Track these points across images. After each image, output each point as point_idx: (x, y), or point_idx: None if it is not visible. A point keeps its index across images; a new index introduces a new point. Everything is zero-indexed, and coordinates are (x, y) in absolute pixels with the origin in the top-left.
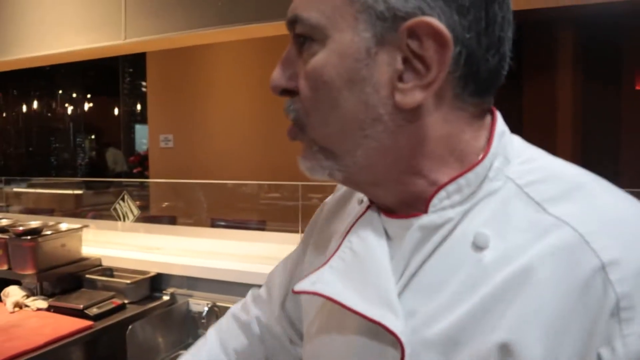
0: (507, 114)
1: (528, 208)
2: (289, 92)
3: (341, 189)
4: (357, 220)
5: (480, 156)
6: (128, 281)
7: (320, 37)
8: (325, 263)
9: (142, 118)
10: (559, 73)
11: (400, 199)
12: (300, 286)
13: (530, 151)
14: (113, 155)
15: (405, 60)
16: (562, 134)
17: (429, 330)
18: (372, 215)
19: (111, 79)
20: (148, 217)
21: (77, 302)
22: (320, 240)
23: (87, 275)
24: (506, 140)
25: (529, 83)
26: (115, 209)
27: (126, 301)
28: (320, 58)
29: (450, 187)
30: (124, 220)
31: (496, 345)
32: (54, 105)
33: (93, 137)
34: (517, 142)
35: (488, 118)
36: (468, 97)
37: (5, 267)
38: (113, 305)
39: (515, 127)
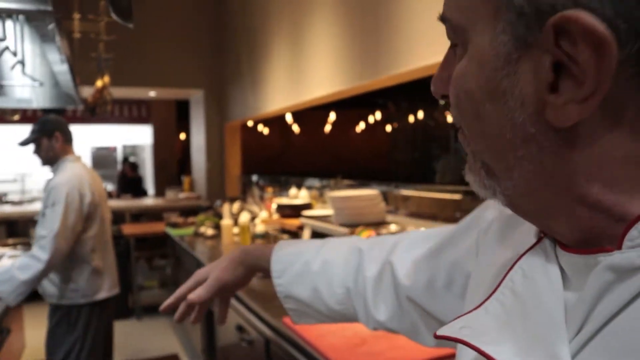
0: None
1: None
2: (446, 97)
3: None
4: (524, 253)
5: None
6: None
7: (462, 40)
8: (478, 305)
9: None
10: None
11: (577, 237)
12: (444, 331)
13: None
14: (443, 166)
15: (557, 66)
16: None
17: None
18: (545, 248)
19: None
20: None
21: None
22: (481, 268)
23: None
24: None
25: None
26: None
27: None
28: (462, 65)
29: None
30: None
31: None
32: (436, 113)
33: None
34: None
35: None
36: None
37: None
38: None
39: None
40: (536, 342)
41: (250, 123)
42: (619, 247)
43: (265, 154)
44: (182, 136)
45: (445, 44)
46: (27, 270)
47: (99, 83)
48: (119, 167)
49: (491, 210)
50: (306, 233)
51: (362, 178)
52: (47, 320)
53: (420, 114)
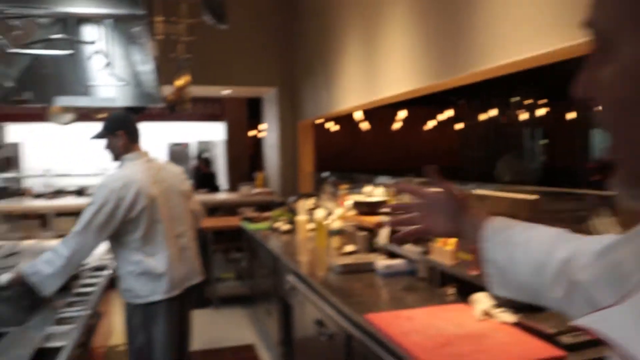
0: None
1: None
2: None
3: None
4: None
5: None
6: None
7: (608, 47)
8: (619, 301)
9: None
10: None
11: None
12: (582, 321)
13: None
14: (505, 164)
15: None
16: None
17: None
18: None
19: (567, 82)
20: None
21: (547, 324)
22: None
23: None
24: None
25: None
26: (591, 224)
27: None
28: (610, 72)
29: None
30: None
31: None
32: (509, 111)
33: (545, 142)
34: None
35: None
36: None
37: (476, 273)
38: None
39: None
40: None
41: (319, 119)
42: None
43: (334, 151)
44: (253, 133)
45: (532, 40)
46: (51, 265)
47: (180, 82)
48: (192, 162)
49: None
50: (385, 230)
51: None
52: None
53: (492, 112)
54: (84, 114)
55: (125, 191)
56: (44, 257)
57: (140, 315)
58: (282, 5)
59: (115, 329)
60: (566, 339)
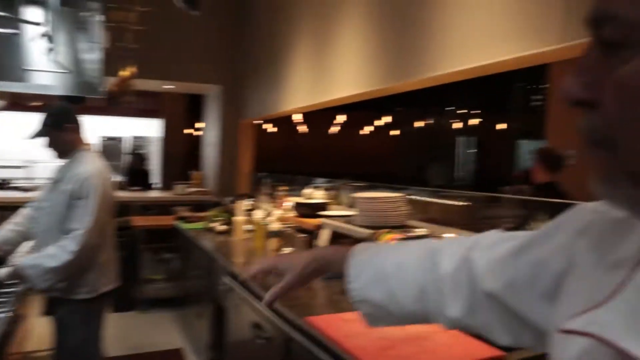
0: None
1: None
2: (586, 104)
3: None
4: None
5: None
6: None
7: (636, 40)
8: (604, 302)
9: (534, 133)
10: None
11: None
12: (571, 325)
13: None
14: (436, 170)
15: None
16: None
17: None
18: None
19: (500, 94)
20: None
21: None
22: (582, 268)
23: None
24: None
25: None
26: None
27: None
28: (637, 66)
29: None
30: None
31: None
32: (443, 120)
33: (475, 150)
34: None
35: None
36: None
37: None
38: None
39: None
40: None
41: (258, 120)
42: None
43: (271, 153)
44: (190, 131)
45: (484, 49)
46: (54, 259)
47: (125, 73)
48: (126, 158)
49: (588, 213)
50: (325, 233)
51: (367, 180)
52: (55, 313)
53: (427, 120)
54: (14, 102)
55: (107, 181)
56: (46, 251)
57: (85, 310)
58: (232, 2)
59: (34, 334)
60: None
